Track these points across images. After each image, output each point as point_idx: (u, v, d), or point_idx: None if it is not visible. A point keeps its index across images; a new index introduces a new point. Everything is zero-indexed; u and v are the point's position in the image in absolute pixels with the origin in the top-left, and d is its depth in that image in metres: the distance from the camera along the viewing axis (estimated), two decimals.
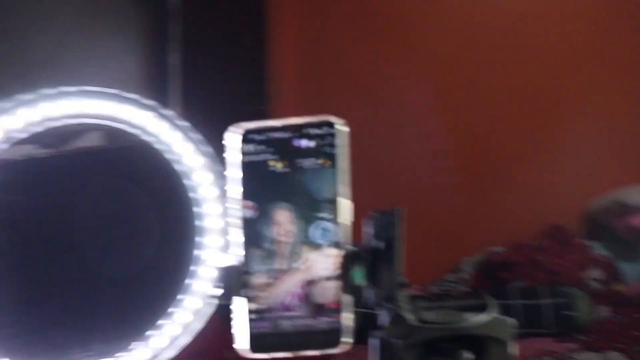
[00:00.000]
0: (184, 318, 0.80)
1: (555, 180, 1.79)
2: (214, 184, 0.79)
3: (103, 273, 0.85)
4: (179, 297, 0.79)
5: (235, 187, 0.60)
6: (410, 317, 0.62)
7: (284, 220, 0.60)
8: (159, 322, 0.79)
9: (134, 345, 0.77)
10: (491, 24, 1.80)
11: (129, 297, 0.86)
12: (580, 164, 1.79)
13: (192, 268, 0.79)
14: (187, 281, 0.79)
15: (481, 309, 0.65)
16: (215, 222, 0.80)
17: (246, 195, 0.60)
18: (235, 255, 0.61)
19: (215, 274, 0.61)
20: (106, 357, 0.76)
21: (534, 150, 1.81)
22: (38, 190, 0.85)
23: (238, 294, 0.60)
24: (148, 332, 0.78)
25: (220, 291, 0.61)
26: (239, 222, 0.61)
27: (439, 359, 0.63)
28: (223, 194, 0.79)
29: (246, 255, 0.61)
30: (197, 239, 0.78)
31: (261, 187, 0.60)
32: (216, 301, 0.62)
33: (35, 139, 0.81)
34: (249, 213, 0.60)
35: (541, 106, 1.85)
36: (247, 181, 0.60)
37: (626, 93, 1.76)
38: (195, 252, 0.79)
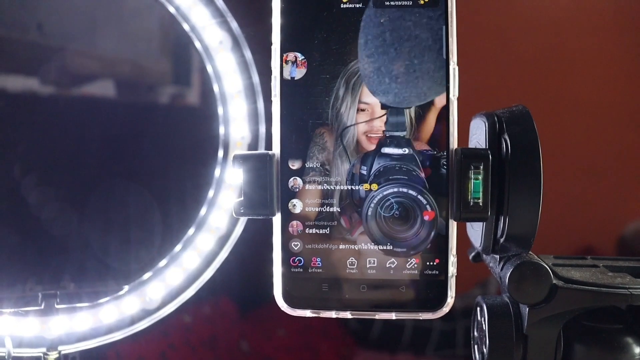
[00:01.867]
0: (203, 244, 0.56)
1: (590, 201, 1.63)
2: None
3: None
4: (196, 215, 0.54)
5: (277, 32, 0.35)
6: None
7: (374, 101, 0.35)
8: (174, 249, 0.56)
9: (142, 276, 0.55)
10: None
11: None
12: (615, 186, 1.63)
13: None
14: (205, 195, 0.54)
15: None
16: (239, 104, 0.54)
17: (291, 44, 0.35)
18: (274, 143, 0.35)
19: (239, 174, 0.35)
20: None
21: (568, 170, 1.64)
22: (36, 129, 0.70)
23: (273, 207, 0.35)
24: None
25: (245, 202, 0.35)
26: (277, 87, 0.35)
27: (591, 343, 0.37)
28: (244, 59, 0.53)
29: (288, 143, 0.35)
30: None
31: (317, 31, 0.35)
32: (242, 216, 0.36)
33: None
34: (296, 71, 0.35)
35: (576, 124, 1.68)
36: (291, 21, 0.35)
37: None
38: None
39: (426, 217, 0.35)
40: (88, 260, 0.62)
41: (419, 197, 0.35)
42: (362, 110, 0.35)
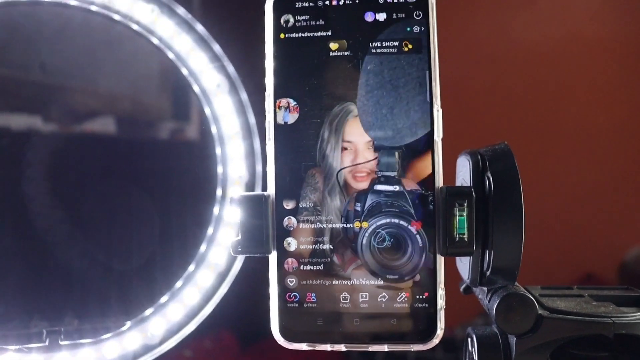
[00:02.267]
0: (203, 280, 0.57)
1: (590, 229, 1.62)
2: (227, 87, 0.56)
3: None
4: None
5: (270, 79, 0.38)
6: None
7: (359, 139, 0.37)
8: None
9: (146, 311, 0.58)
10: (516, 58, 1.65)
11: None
12: (615, 212, 1.62)
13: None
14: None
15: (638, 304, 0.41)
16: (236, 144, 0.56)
17: (284, 90, 0.38)
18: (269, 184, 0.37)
19: (237, 214, 0.36)
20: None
21: (566, 199, 1.64)
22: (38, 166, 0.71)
23: (269, 246, 0.37)
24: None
25: (243, 242, 0.37)
26: (271, 132, 0.37)
27: None
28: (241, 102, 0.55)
29: (282, 184, 0.37)
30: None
31: (308, 77, 0.37)
32: (239, 255, 0.37)
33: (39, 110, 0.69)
34: (289, 116, 0.37)
35: (571, 145, 1.68)
36: (284, 69, 0.38)
37: None
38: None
39: (413, 228, 0.37)
40: (91, 296, 0.64)
41: (409, 227, 0.37)
42: (345, 149, 0.37)
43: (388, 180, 0.37)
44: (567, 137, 1.64)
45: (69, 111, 0.78)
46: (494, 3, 1.52)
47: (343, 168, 0.38)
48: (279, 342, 0.38)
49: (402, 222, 0.37)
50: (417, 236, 0.37)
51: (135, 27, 0.56)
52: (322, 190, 0.38)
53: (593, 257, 1.59)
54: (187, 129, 0.74)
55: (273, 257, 0.38)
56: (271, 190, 0.38)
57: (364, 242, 0.37)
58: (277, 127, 0.38)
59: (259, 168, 0.57)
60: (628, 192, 1.62)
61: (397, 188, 0.37)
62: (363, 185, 0.37)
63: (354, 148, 0.38)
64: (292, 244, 0.38)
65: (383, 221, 0.37)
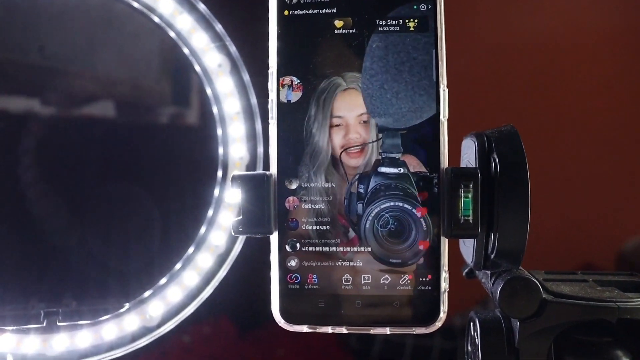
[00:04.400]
0: (202, 262, 0.57)
1: (589, 217, 1.62)
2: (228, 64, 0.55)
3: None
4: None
5: (274, 57, 0.37)
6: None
7: (349, 114, 0.36)
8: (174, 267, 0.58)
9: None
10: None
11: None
12: (614, 202, 1.63)
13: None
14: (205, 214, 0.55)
15: None
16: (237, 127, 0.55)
17: (287, 68, 0.37)
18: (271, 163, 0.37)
19: (238, 194, 0.36)
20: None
21: (567, 187, 1.64)
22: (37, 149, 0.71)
23: (271, 226, 0.36)
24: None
25: (244, 221, 0.36)
26: (274, 110, 0.36)
27: (581, 356, 0.38)
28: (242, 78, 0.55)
29: (284, 164, 0.37)
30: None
31: (312, 55, 0.37)
32: (240, 235, 0.37)
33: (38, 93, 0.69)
34: (292, 95, 0.37)
35: (573, 133, 1.68)
36: (287, 47, 0.37)
37: None
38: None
39: (418, 214, 0.36)
40: (89, 278, 0.63)
41: (414, 210, 0.36)
42: (337, 125, 0.37)
43: (392, 162, 0.37)
44: (569, 126, 1.63)
45: (68, 94, 0.77)
46: None
47: (347, 149, 0.37)
48: (280, 324, 0.38)
49: (406, 206, 0.36)
50: (422, 220, 0.36)
51: (136, 5, 0.55)
52: (313, 170, 0.37)
53: (592, 246, 1.60)
54: (187, 111, 0.74)
55: (274, 238, 0.37)
56: (273, 169, 0.37)
57: (367, 225, 0.37)
58: (280, 105, 0.37)
59: (260, 150, 0.57)
60: (628, 183, 1.62)
61: (402, 170, 0.36)
62: (356, 162, 0.37)
63: (345, 123, 0.37)
64: (294, 224, 0.37)
65: (387, 204, 0.37)
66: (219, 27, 0.55)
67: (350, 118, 0.37)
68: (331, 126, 0.37)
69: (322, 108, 0.37)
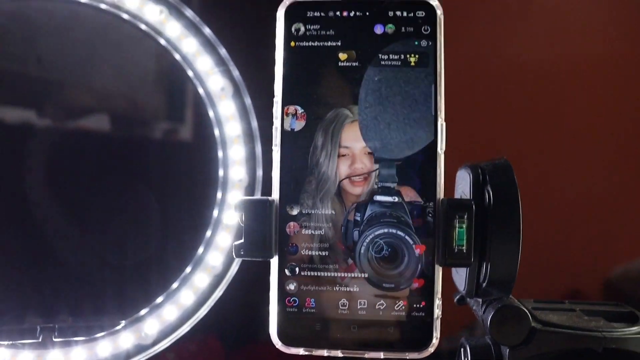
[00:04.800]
0: (199, 282, 0.58)
1: (577, 245, 1.62)
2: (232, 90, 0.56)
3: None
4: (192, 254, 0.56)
5: (279, 86, 0.38)
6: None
7: (356, 145, 0.38)
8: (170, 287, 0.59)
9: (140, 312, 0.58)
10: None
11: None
12: (604, 228, 1.63)
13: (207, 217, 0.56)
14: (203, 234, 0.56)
15: (630, 319, 0.42)
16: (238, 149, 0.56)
17: (292, 97, 0.38)
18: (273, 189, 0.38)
19: (241, 218, 0.37)
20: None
21: (555, 215, 1.65)
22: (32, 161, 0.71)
23: (272, 250, 0.37)
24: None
25: (246, 245, 0.38)
26: (278, 138, 0.38)
27: None
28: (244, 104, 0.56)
29: (286, 190, 0.38)
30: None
31: (316, 86, 0.38)
32: (242, 258, 0.38)
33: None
34: (296, 123, 0.38)
35: (561, 163, 1.70)
36: (293, 76, 0.38)
37: None
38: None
39: (417, 251, 0.38)
40: (86, 294, 0.64)
41: (407, 237, 0.38)
42: (343, 155, 0.38)
43: (387, 191, 0.38)
44: (560, 157, 1.65)
45: (67, 107, 0.77)
46: (494, 20, 1.53)
47: (346, 177, 0.38)
48: (277, 346, 0.38)
49: (399, 232, 0.38)
50: (414, 245, 0.38)
51: (143, 27, 0.56)
52: (317, 196, 0.38)
53: (579, 273, 1.61)
54: (189, 132, 0.75)
55: (274, 262, 0.38)
56: (275, 195, 0.38)
57: (362, 251, 0.38)
58: (284, 133, 0.39)
59: (259, 173, 0.58)
60: (616, 212, 1.63)
61: (396, 199, 0.38)
62: (359, 190, 0.38)
63: (352, 154, 0.38)
64: (293, 249, 0.38)
65: (381, 231, 0.38)
66: (223, 51, 0.57)
67: (356, 149, 0.38)
68: (338, 156, 0.38)
69: (331, 138, 0.38)
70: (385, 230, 0.38)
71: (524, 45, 1.57)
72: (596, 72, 1.62)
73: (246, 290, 0.60)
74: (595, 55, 1.62)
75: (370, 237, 0.38)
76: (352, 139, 0.38)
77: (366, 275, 0.38)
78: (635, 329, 0.40)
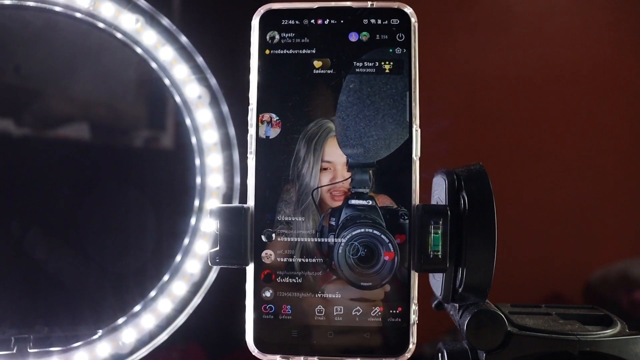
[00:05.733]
0: (177, 290, 0.57)
1: (557, 250, 1.65)
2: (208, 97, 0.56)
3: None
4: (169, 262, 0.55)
5: (254, 93, 0.38)
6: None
7: (338, 159, 0.38)
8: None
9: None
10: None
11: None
12: (583, 232, 1.66)
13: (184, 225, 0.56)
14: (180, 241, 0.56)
15: (605, 322, 0.42)
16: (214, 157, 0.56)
17: (267, 104, 0.38)
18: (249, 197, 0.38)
19: (216, 225, 0.37)
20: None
21: (534, 219, 1.67)
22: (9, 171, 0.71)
23: (247, 257, 0.37)
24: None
25: (221, 253, 0.37)
26: (253, 145, 0.38)
27: None
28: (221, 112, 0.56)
29: (262, 197, 0.38)
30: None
31: (291, 94, 0.38)
32: (217, 265, 0.38)
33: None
34: (271, 131, 0.38)
35: (539, 168, 1.72)
36: (268, 84, 0.38)
37: (634, 163, 1.66)
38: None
39: (387, 258, 0.38)
40: (62, 304, 0.63)
41: (382, 235, 0.38)
42: (325, 169, 0.38)
43: (361, 196, 0.38)
44: (536, 162, 1.67)
45: (45, 116, 0.77)
46: (471, 28, 1.55)
47: (319, 187, 0.38)
48: (254, 353, 0.38)
49: (375, 232, 0.38)
50: (389, 244, 0.38)
51: (119, 36, 0.56)
52: (298, 207, 0.38)
53: (559, 277, 1.62)
54: (166, 139, 0.74)
55: (250, 269, 0.38)
56: (251, 202, 0.38)
57: (340, 252, 0.38)
58: (259, 141, 0.39)
59: (237, 180, 0.58)
60: (594, 217, 1.65)
61: (370, 203, 0.38)
62: (339, 204, 0.38)
63: (333, 168, 0.39)
64: (269, 256, 0.38)
65: (357, 231, 0.38)
66: (200, 59, 0.57)
67: (338, 164, 0.39)
68: (320, 170, 0.38)
69: (314, 151, 0.38)
70: (362, 230, 0.38)
71: (501, 53, 1.59)
72: (573, 79, 1.65)
73: (225, 297, 0.59)
74: (572, 62, 1.65)
75: (347, 237, 0.38)
76: (335, 153, 0.38)
77: (345, 277, 0.38)
78: (609, 331, 0.41)
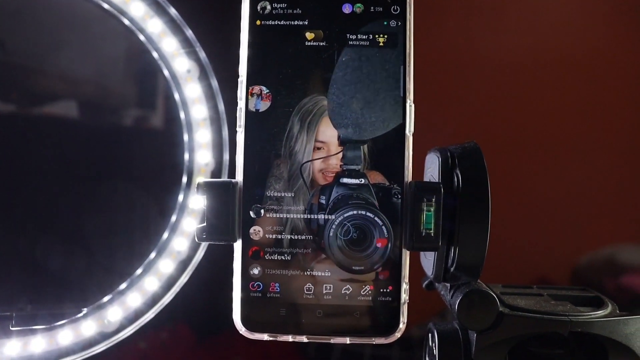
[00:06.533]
0: (164, 268, 0.55)
1: (545, 233, 1.65)
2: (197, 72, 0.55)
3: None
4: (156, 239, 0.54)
5: (244, 65, 0.37)
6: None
7: (332, 140, 0.37)
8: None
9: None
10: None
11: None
12: (571, 217, 1.66)
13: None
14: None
15: (596, 304, 0.42)
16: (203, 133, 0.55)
17: (257, 77, 0.37)
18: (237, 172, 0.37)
19: (203, 200, 0.36)
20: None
21: (523, 202, 1.67)
22: None
23: (235, 234, 0.36)
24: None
25: (208, 228, 0.36)
26: (242, 118, 0.37)
27: None
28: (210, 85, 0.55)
29: (250, 172, 0.37)
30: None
31: (282, 66, 0.37)
32: (204, 241, 0.37)
33: None
34: (260, 104, 0.37)
35: (529, 153, 1.72)
36: (258, 56, 0.37)
37: (622, 148, 1.66)
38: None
39: (379, 245, 0.37)
40: (46, 281, 0.62)
41: (376, 218, 0.37)
42: (318, 149, 0.37)
43: (352, 174, 0.37)
44: (529, 143, 1.67)
45: (32, 93, 0.75)
46: (466, 7, 1.54)
47: (308, 161, 0.37)
48: (241, 332, 0.38)
49: (368, 214, 0.37)
50: (383, 227, 0.37)
51: (106, 6, 0.54)
52: (288, 183, 0.37)
53: (547, 262, 1.63)
54: (154, 115, 0.73)
55: (238, 245, 0.37)
56: (239, 177, 0.37)
57: (331, 234, 0.37)
58: (249, 114, 0.38)
59: (226, 157, 0.57)
60: (583, 202, 1.66)
61: (362, 181, 0.37)
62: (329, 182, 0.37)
63: (327, 148, 0.37)
64: (257, 232, 0.38)
65: (349, 213, 0.37)
66: (189, 32, 0.55)
67: (332, 144, 0.37)
68: (313, 149, 0.37)
69: (307, 130, 0.37)
70: (355, 212, 0.37)
71: (497, 33, 1.57)
72: (568, 64, 1.64)
73: (214, 276, 0.59)
74: (567, 47, 1.64)
75: (339, 219, 0.37)
76: (329, 133, 0.37)
77: (335, 259, 0.37)
78: (600, 312, 0.40)
